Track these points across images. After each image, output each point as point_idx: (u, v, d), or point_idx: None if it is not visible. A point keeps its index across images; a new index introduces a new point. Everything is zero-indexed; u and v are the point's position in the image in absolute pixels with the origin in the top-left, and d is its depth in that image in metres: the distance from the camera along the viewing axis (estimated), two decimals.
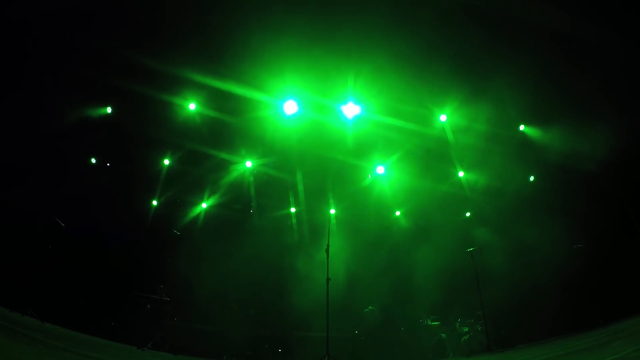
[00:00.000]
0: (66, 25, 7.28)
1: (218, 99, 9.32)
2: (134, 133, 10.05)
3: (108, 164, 10.77)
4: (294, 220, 13.57)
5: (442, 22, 7.53)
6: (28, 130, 8.13)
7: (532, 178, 11.26)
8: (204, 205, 12.63)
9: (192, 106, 9.57)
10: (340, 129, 9.84)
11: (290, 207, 13.38)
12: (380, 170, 11.48)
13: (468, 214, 12.98)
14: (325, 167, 11.31)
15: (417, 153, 10.82)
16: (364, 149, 10.67)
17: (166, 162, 11.24)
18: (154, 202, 11.82)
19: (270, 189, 12.60)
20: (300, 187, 12.22)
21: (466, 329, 9.47)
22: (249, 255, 12.07)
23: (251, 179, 12.15)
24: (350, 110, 9.36)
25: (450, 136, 10.16)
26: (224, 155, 11.09)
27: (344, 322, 10.55)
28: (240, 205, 13.18)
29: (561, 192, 9.74)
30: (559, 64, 8.05)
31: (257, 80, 8.58)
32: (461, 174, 11.62)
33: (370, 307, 10.74)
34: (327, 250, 6.68)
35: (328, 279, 6.52)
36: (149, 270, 9.54)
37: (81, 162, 10.21)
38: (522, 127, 10.22)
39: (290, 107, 9.30)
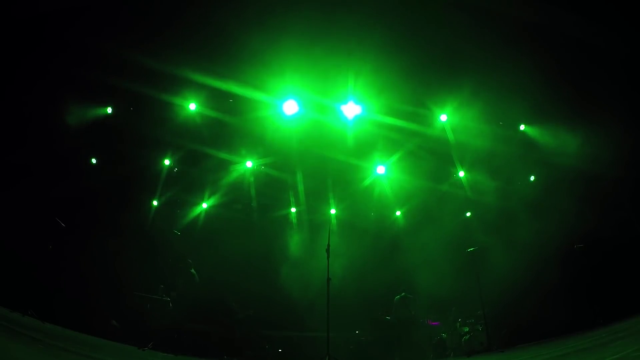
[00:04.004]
0: (66, 25, 7.27)
1: (218, 99, 9.32)
2: (134, 133, 10.05)
3: (108, 165, 10.76)
4: (294, 221, 13.59)
5: (442, 22, 7.53)
6: (28, 130, 8.13)
7: (532, 178, 11.27)
8: (204, 205, 12.63)
9: (192, 106, 9.57)
10: (341, 129, 9.84)
11: (290, 207, 13.40)
12: (380, 170, 11.48)
13: (468, 214, 12.98)
14: (325, 167, 11.31)
15: (418, 153, 10.83)
16: (364, 149, 10.67)
17: (166, 162, 11.25)
18: (154, 203, 11.83)
19: (271, 189, 12.61)
20: (301, 187, 12.22)
21: (467, 329, 9.46)
22: (249, 255, 12.08)
23: (251, 179, 12.16)
24: (351, 110, 9.36)
25: (450, 136, 10.16)
26: (224, 155, 11.09)
27: (344, 322, 10.52)
28: (241, 205, 13.19)
29: (562, 192, 9.73)
30: (560, 63, 8.04)
31: (257, 80, 8.58)
32: (461, 173, 11.62)
33: (403, 294, 9.81)
34: (327, 250, 6.66)
35: (329, 279, 6.51)
36: (149, 270, 9.54)
37: (81, 162, 10.21)
38: (522, 127, 10.22)
39: (291, 107, 9.30)
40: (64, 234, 7.68)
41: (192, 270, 8.64)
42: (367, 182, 12.07)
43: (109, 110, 9.64)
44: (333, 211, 13.37)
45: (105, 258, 9.36)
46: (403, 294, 9.73)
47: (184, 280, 8.48)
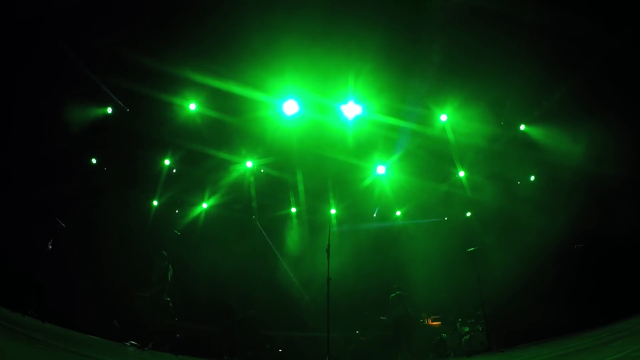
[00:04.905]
0: (66, 25, 7.27)
1: (218, 99, 9.32)
2: (134, 133, 10.05)
3: (108, 165, 10.76)
4: (294, 221, 13.60)
5: (443, 22, 7.52)
6: (29, 131, 8.13)
7: (532, 178, 11.27)
8: (204, 205, 12.64)
9: (192, 106, 9.57)
10: (341, 129, 9.84)
11: (290, 207, 13.41)
12: (380, 170, 11.48)
13: (468, 214, 12.99)
14: (325, 167, 11.31)
15: (418, 153, 10.82)
16: (364, 149, 10.67)
17: (166, 162, 11.25)
18: (155, 202, 11.83)
19: (271, 189, 12.61)
20: (301, 187, 12.23)
21: (467, 329, 9.46)
22: (249, 255, 12.09)
23: (251, 179, 12.17)
24: (351, 110, 9.36)
25: (450, 136, 10.16)
26: (224, 155, 11.10)
27: (344, 322, 10.52)
28: (241, 205, 13.20)
29: (562, 192, 9.73)
30: (561, 63, 8.04)
31: (257, 80, 8.57)
32: (462, 173, 11.62)
33: (398, 292, 9.45)
34: (327, 250, 6.66)
35: (329, 279, 6.51)
36: (150, 270, 9.53)
37: (82, 162, 10.21)
38: (522, 127, 10.21)
39: (291, 107, 9.30)
40: (63, 234, 7.68)
41: (166, 264, 8.43)
42: (367, 182, 12.07)
43: (109, 110, 9.64)
44: (333, 211, 13.38)
45: (104, 258, 9.36)
46: (398, 292, 9.48)
47: (158, 275, 8.26)
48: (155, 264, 8.45)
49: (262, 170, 11.93)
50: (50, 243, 7.52)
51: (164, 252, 8.57)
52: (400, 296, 9.42)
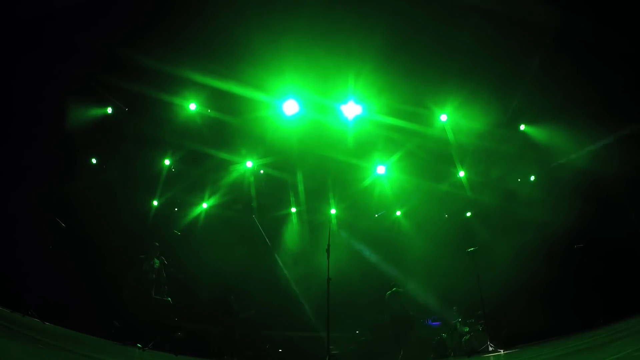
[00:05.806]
0: (65, 25, 7.27)
1: (218, 99, 9.32)
2: (134, 133, 10.05)
3: (108, 165, 10.75)
4: (294, 220, 13.61)
5: (442, 22, 7.52)
6: (28, 130, 8.12)
7: (532, 177, 11.28)
8: (204, 205, 12.64)
9: (192, 106, 9.57)
10: (341, 129, 9.84)
11: (290, 207, 13.41)
12: (380, 170, 11.48)
13: (468, 214, 12.99)
14: (325, 167, 11.31)
15: (418, 153, 10.83)
16: (364, 148, 10.67)
17: (166, 162, 11.25)
18: (155, 203, 11.83)
19: (271, 189, 12.62)
20: (301, 187, 12.23)
21: (467, 329, 9.46)
22: (249, 255, 12.09)
23: (251, 179, 12.17)
24: (351, 110, 9.36)
25: (450, 136, 10.16)
26: (224, 155, 11.10)
27: (344, 322, 10.52)
28: (241, 205, 13.20)
29: (561, 191, 9.74)
30: (562, 62, 8.04)
31: (257, 80, 8.57)
32: (462, 173, 11.62)
33: (394, 289, 9.38)
34: (327, 250, 6.66)
35: (329, 279, 6.50)
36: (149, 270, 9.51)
37: (82, 162, 10.20)
38: (522, 127, 10.21)
39: (291, 107, 9.30)
40: (63, 234, 7.67)
41: (155, 260, 8.33)
42: (367, 182, 12.07)
43: (109, 110, 9.65)
44: (333, 211, 13.38)
45: (104, 258, 9.36)
46: (394, 289, 9.49)
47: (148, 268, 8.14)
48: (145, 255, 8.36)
49: (261, 172, 11.94)
50: (50, 243, 7.51)
51: (156, 242, 8.52)
52: (396, 293, 9.39)
